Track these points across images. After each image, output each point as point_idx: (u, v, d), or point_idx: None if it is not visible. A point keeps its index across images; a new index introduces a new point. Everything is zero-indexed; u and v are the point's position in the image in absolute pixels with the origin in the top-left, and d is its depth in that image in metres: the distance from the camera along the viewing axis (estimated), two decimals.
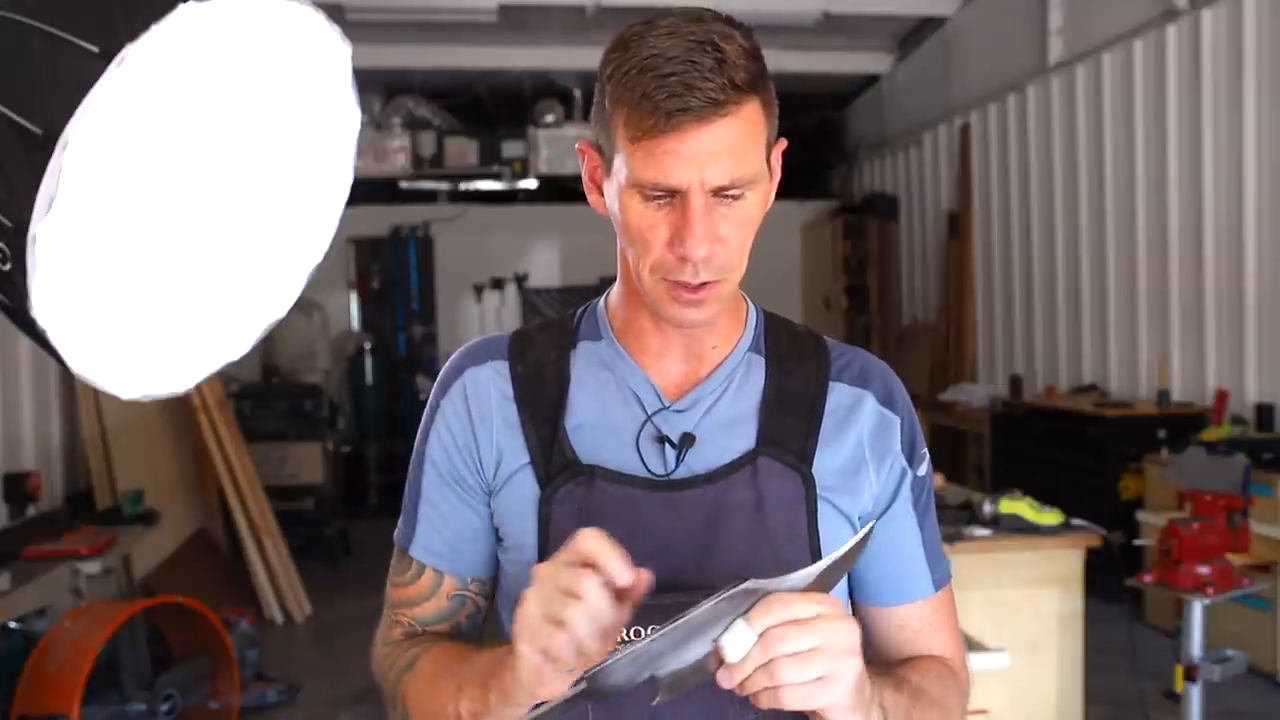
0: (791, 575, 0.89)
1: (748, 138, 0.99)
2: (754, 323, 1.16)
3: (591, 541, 0.88)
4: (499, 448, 1.11)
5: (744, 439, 1.09)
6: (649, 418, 1.10)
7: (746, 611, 0.86)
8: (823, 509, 1.09)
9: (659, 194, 0.99)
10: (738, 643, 0.85)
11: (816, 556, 1.08)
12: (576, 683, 0.87)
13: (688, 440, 1.08)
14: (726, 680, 0.86)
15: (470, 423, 1.12)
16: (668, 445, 1.09)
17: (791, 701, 0.86)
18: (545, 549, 1.07)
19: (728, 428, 1.10)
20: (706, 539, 1.06)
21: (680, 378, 1.12)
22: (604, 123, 1.02)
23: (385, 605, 1.19)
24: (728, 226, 1.00)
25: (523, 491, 1.09)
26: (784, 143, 1.08)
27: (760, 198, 1.03)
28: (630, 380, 1.12)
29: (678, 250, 0.99)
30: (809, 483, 1.08)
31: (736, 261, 1.03)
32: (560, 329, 1.17)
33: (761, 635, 0.85)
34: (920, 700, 1.05)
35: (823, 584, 0.91)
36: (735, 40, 0.98)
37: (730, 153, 0.97)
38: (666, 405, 1.10)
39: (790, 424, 1.10)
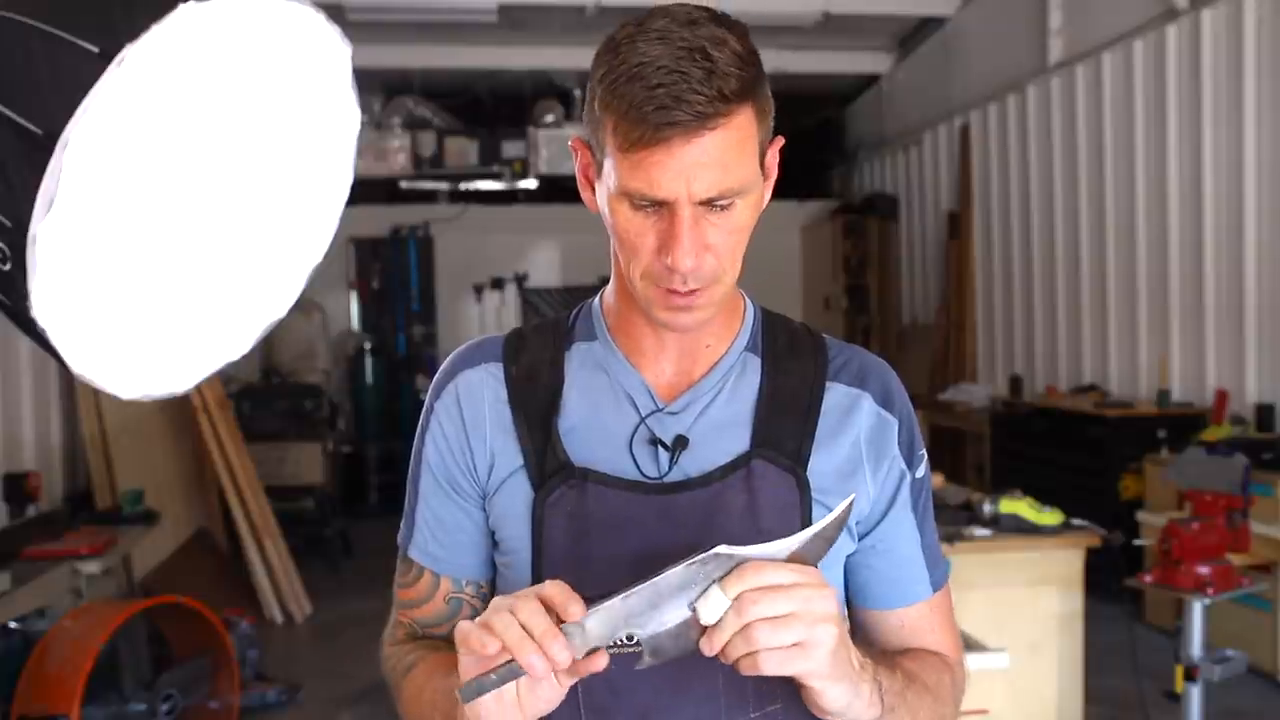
0: (767, 545, 0.91)
1: (736, 148, 0.97)
2: (751, 321, 1.15)
3: (554, 588, 0.90)
4: (492, 451, 1.11)
5: (738, 441, 1.08)
6: (642, 420, 1.09)
7: (722, 578, 0.88)
8: (818, 512, 1.07)
9: (646, 204, 0.98)
10: (712, 607, 0.87)
11: None
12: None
13: (680, 443, 1.07)
14: (708, 647, 0.88)
15: (463, 426, 1.12)
16: (660, 448, 1.08)
17: (769, 667, 0.88)
18: (539, 553, 1.07)
19: (722, 429, 1.09)
20: (699, 542, 1.03)
21: (675, 378, 1.11)
22: (594, 125, 1.01)
23: (393, 605, 1.20)
24: (716, 235, 0.99)
25: (516, 495, 1.09)
26: (780, 141, 1.07)
27: (752, 204, 1.02)
28: (624, 381, 1.11)
29: (665, 260, 0.98)
30: (803, 485, 1.07)
31: (727, 267, 1.02)
32: (555, 330, 1.16)
33: (736, 599, 0.87)
34: (913, 684, 1.05)
35: (801, 558, 0.92)
36: (728, 45, 0.96)
37: (718, 165, 0.96)
38: (660, 407, 1.09)
39: (785, 425, 1.09)
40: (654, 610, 0.88)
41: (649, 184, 0.96)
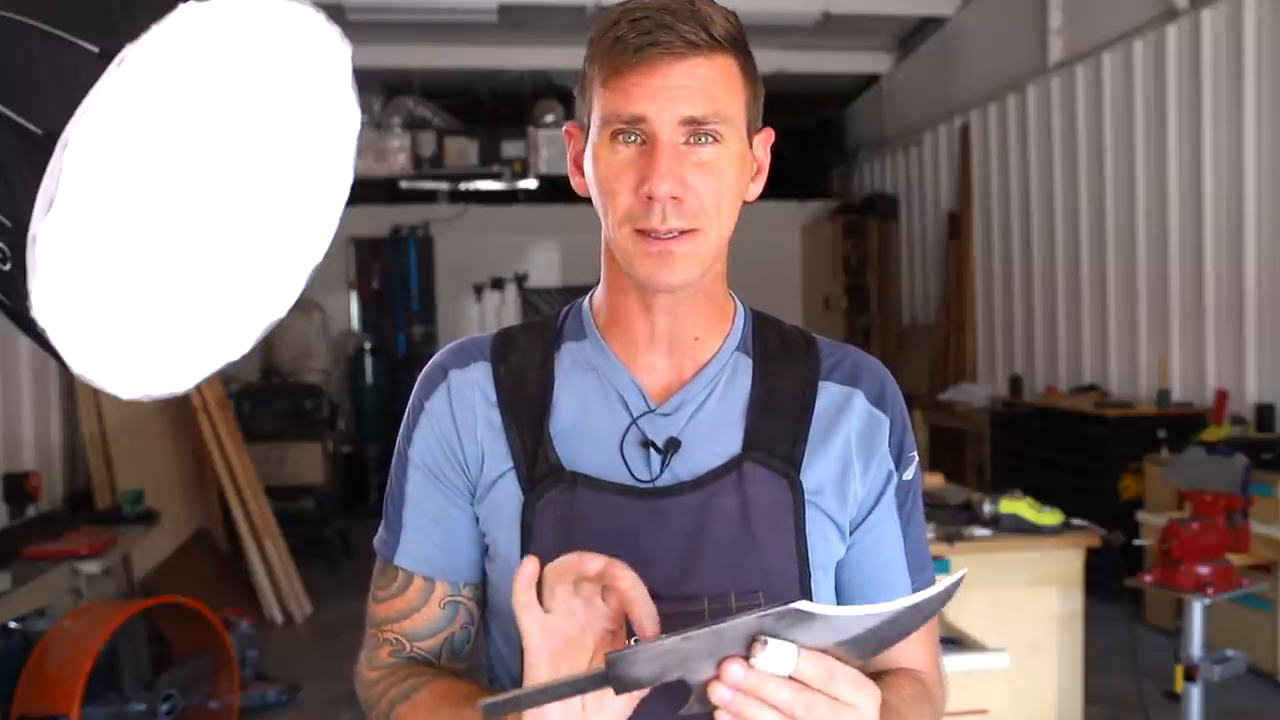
0: (853, 608, 0.84)
1: (722, 82, 0.99)
2: (742, 322, 1.13)
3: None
4: (483, 453, 1.08)
5: (730, 443, 1.06)
6: (634, 421, 1.07)
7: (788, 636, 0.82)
8: (811, 514, 1.06)
9: (629, 133, 0.98)
10: (773, 658, 0.81)
11: (804, 563, 1.05)
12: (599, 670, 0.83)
13: (673, 445, 1.05)
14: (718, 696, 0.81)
15: (454, 426, 1.09)
16: (652, 450, 1.06)
17: None
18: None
19: (714, 431, 1.07)
20: (691, 547, 1.03)
21: (666, 376, 1.09)
22: (583, 88, 1.03)
23: (368, 624, 1.15)
24: (698, 175, 0.99)
25: (506, 498, 1.06)
26: (771, 133, 1.08)
27: (736, 157, 1.01)
28: (615, 381, 1.08)
29: (643, 191, 0.97)
30: (796, 488, 1.06)
31: (711, 213, 1.00)
32: (544, 329, 1.14)
33: (795, 683, 0.81)
34: None
35: (877, 632, 0.85)
36: (716, 9, 1.00)
37: (701, 91, 0.97)
38: (652, 408, 1.07)
39: (778, 427, 1.07)
40: (710, 657, 0.82)
41: (629, 101, 0.97)
